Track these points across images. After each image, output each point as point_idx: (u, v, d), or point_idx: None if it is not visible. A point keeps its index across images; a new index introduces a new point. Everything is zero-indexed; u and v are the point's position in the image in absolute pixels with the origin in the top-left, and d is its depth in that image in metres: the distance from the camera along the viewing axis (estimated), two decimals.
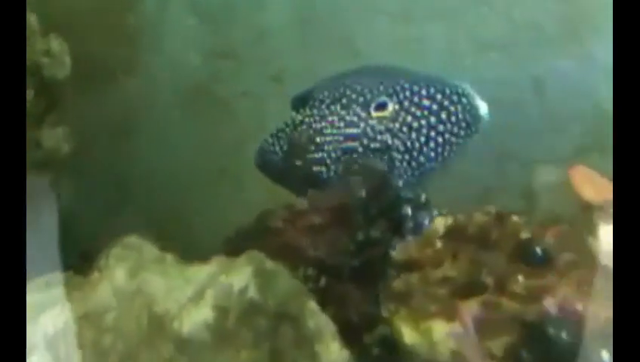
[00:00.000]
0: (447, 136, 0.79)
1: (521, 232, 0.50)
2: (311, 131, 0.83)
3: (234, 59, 1.36)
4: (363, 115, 0.80)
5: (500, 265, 0.47)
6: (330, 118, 0.82)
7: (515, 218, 0.51)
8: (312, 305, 0.50)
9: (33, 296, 0.71)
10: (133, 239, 0.54)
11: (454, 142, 0.80)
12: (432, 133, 0.79)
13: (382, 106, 0.81)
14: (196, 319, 0.47)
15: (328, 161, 0.81)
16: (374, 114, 0.80)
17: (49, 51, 1.03)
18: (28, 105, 0.99)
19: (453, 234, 0.52)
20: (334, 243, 0.60)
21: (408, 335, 0.46)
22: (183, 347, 0.46)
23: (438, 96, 0.80)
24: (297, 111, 0.86)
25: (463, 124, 0.79)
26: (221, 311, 0.48)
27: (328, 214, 0.63)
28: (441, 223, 0.53)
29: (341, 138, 0.81)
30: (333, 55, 1.32)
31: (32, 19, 0.99)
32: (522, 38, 1.24)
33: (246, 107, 1.35)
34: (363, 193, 0.65)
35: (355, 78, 0.83)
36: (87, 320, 0.48)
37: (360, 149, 0.80)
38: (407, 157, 0.79)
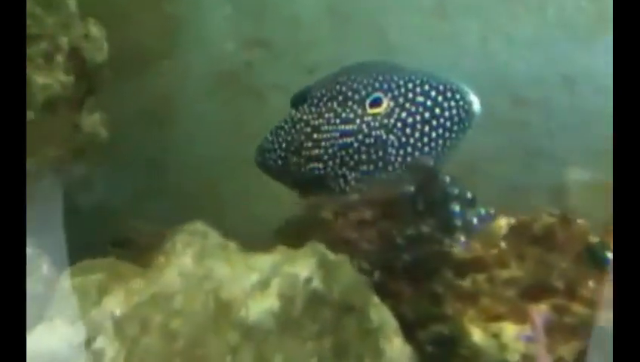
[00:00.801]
0: (440, 131, 0.80)
1: (589, 236, 0.50)
2: (308, 128, 0.84)
3: (268, 50, 1.36)
4: (359, 111, 0.82)
5: (569, 268, 0.47)
6: (326, 115, 0.83)
7: (581, 221, 0.51)
8: (375, 298, 0.50)
9: (82, 280, 0.72)
10: (198, 225, 0.55)
11: (448, 138, 0.81)
12: (426, 129, 0.80)
13: (376, 102, 0.82)
14: (262, 307, 0.48)
15: (325, 157, 0.83)
16: (369, 110, 0.82)
17: (88, 35, 1.03)
18: (69, 89, 1.00)
19: (516, 234, 0.52)
20: (386, 237, 0.60)
21: (477, 335, 0.46)
22: (249, 334, 0.47)
23: (432, 93, 0.81)
24: (296, 109, 0.87)
25: (457, 120, 0.80)
26: (287, 300, 0.48)
27: (378, 208, 0.63)
28: (503, 223, 0.53)
29: (337, 134, 0.82)
30: (365, 48, 1.32)
31: (70, 3, 0.99)
32: (554, 36, 1.24)
33: (278, 98, 1.36)
34: (412, 188, 0.65)
35: (350, 75, 0.84)
36: (155, 304, 0.48)
37: (356, 145, 0.81)
38: (401, 152, 0.81)
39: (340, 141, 0.81)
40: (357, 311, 0.49)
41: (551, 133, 1.29)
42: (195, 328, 0.46)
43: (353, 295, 0.49)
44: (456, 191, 0.68)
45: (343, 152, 0.81)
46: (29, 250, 0.79)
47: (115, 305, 0.49)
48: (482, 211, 0.69)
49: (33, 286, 0.75)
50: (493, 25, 1.27)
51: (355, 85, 0.83)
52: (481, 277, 0.49)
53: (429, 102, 0.80)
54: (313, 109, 0.85)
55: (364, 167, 0.81)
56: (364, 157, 0.81)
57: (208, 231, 0.54)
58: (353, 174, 0.82)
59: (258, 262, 0.51)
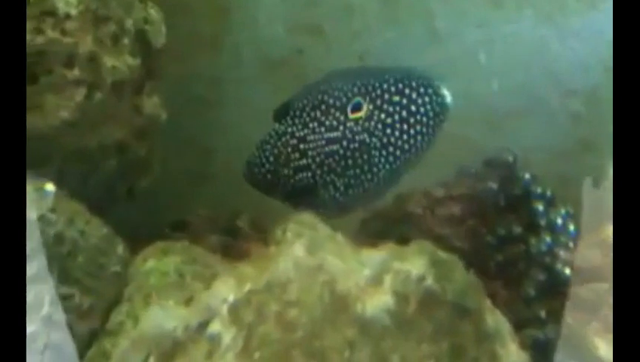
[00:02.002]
0: (418, 127, 0.83)
1: None
2: (294, 140, 0.87)
3: (318, 36, 1.35)
4: (341, 117, 0.84)
5: None
6: (311, 125, 0.86)
7: None
8: (489, 301, 0.50)
9: (158, 262, 0.73)
10: (307, 216, 0.55)
11: (425, 132, 0.83)
12: (405, 127, 0.83)
13: (357, 107, 0.85)
14: (378, 303, 0.48)
15: (313, 166, 0.86)
16: (351, 115, 0.84)
17: (147, 19, 1.04)
18: (135, 72, 1.00)
19: None
20: (476, 235, 0.60)
21: (603, 349, 0.45)
22: (365, 330, 0.47)
23: (407, 91, 0.83)
24: (279, 123, 0.90)
25: (431, 114, 0.83)
26: (401, 297, 0.48)
27: (464, 204, 0.63)
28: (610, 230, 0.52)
29: (323, 142, 0.85)
30: (412, 35, 1.31)
31: None
32: (604, 26, 1.22)
33: None
34: (495, 185, 0.65)
35: (330, 84, 0.87)
36: (270, 292, 0.48)
37: (341, 151, 0.84)
38: (384, 152, 0.83)
39: (327, 149, 0.84)
40: (472, 314, 0.49)
41: (599, 124, 1.28)
42: (312, 320, 0.46)
43: (468, 297, 0.48)
44: (538, 189, 0.68)
45: (330, 159, 0.84)
46: (104, 230, 0.81)
47: (227, 290, 0.49)
48: (563, 211, 0.69)
49: (111, 266, 0.77)
50: (544, 14, 1.26)
51: (335, 93, 0.86)
52: (603, 288, 0.48)
53: (404, 101, 0.83)
54: (297, 120, 0.88)
55: (351, 172, 0.84)
56: (350, 162, 0.83)
57: (317, 222, 0.54)
58: (341, 180, 0.84)
59: (368, 257, 0.51)
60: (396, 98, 0.83)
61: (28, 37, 0.85)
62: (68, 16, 0.89)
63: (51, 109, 0.87)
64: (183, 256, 0.76)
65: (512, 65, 1.38)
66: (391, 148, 0.83)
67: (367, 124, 0.83)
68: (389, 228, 0.58)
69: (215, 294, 0.49)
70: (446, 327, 0.48)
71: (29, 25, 0.86)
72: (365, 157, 0.83)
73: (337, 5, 1.35)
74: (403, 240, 0.53)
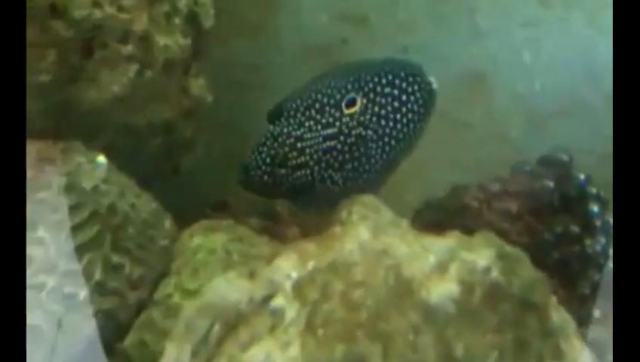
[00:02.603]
0: (410, 115, 0.86)
1: None
2: (291, 139, 0.89)
3: (363, 26, 1.34)
4: (337, 114, 0.87)
5: None
6: (307, 123, 0.88)
7: None
8: (553, 298, 0.50)
9: (205, 239, 0.74)
10: (370, 199, 0.55)
11: (417, 120, 0.86)
12: (398, 116, 0.86)
13: (351, 102, 0.87)
14: (443, 290, 0.47)
15: (311, 163, 0.88)
16: (346, 111, 0.87)
17: (197, 1, 1.04)
18: (185, 52, 1.01)
19: None
20: (534, 231, 0.59)
21: None
22: (430, 316, 0.47)
23: (397, 81, 0.86)
24: (274, 125, 0.91)
25: (421, 102, 0.86)
26: (466, 286, 0.48)
27: (520, 200, 0.62)
28: None
29: (320, 139, 0.87)
30: (455, 30, 1.30)
31: None
32: None
33: None
34: (551, 183, 0.65)
35: (322, 82, 0.89)
36: (335, 271, 0.48)
37: (339, 146, 0.86)
38: (380, 144, 0.86)
39: (324, 145, 0.87)
40: (538, 309, 0.48)
41: None
42: (377, 302, 0.46)
43: (534, 292, 0.48)
44: (593, 190, 0.67)
45: (328, 155, 0.87)
46: (153, 205, 0.82)
47: (290, 266, 0.49)
48: None
49: (160, 239, 0.77)
50: (591, 15, 1.24)
51: (329, 91, 0.88)
52: None
53: (395, 92, 0.86)
54: (292, 121, 0.90)
55: (349, 165, 0.86)
56: (347, 156, 0.86)
57: (380, 206, 0.54)
58: (339, 174, 0.86)
59: (433, 244, 0.51)
60: (387, 90, 0.86)
61: (86, 11, 0.86)
62: None
63: (104, 83, 0.88)
64: (229, 235, 0.76)
65: (556, 66, 1.36)
66: (386, 139, 0.86)
67: (362, 118, 0.86)
68: (444, 219, 0.58)
69: (278, 269, 0.49)
70: (511, 320, 0.48)
71: None
72: (362, 150, 0.85)
73: None
74: (463, 233, 0.52)
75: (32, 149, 0.75)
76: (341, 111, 0.87)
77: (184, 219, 0.94)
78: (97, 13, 0.87)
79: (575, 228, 0.61)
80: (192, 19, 1.04)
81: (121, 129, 0.93)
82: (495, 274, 0.48)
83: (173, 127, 1.01)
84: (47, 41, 0.82)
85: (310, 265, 0.49)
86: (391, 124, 0.86)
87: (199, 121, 1.07)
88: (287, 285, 0.48)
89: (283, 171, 0.90)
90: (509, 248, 0.50)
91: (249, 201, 1.14)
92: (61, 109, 0.86)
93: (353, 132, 0.86)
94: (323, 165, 0.87)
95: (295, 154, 0.89)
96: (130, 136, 0.95)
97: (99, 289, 0.65)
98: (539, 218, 0.63)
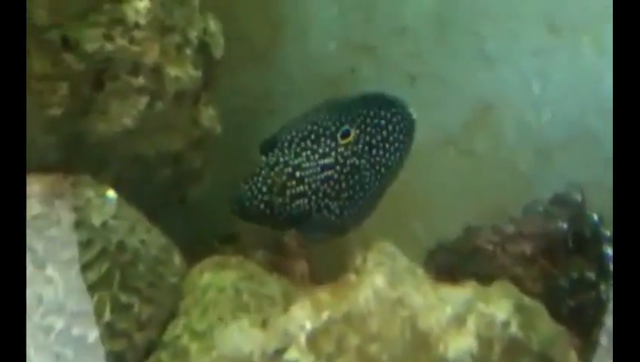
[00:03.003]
0: (396, 144, 0.92)
1: None
2: (289, 168, 0.91)
3: (371, 55, 1.35)
4: (332, 144, 0.91)
5: None
6: (304, 153, 0.91)
7: None
8: (573, 353, 0.48)
9: (215, 276, 0.73)
10: (387, 245, 0.54)
11: (402, 148, 0.93)
12: (387, 145, 0.92)
13: (346, 134, 0.91)
14: (461, 345, 0.47)
15: (309, 193, 0.90)
16: (341, 141, 0.91)
17: (206, 30, 1.05)
18: (196, 83, 1.01)
19: None
20: (549, 277, 0.58)
21: None
22: None
23: (382, 113, 0.92)
24: (267, 156, 0.94)
25: (405, 130, 0.92)
26: (485, 341, 0.47)
27: (534, 243, 0.61)
28: None
29: (319, 169, 0.90)
30: (463, 58, 1.30)
31: None
32: None
33: None
34: (565, 225, 0.64)
35: (317, 115, 0.94)
36: (350, 323, 0.48)
37: (336, 176, 0.90)
38: (373, 171, 0.91)
39: (323, 175, 0.90)
40: None
41: None
42: (393, 357, 0.45)
43: (553, 348, 0.47)
44: (607, 233, 0.66)
45: (325, 185, 0.90)
46: (162, 240, 0.81)
47: (304, 316, 0.48)
48: None
49: (169, 277, 0.77)
50: (601, 43, 1.24)
51: (325, 123, 0.92)
52: None
53: (383, 122, 0.92)
54: (287, 151, 0.92)
55: (345, 194, 0.90)
56: (343, 185, 0.90)
57: (397, 253, 0.53)
58: (336, 203, 0.90)
59: (450, 295, 0.50)
60: (377, 120, 0.92)
61: (98, 44, 0.87)
62: (137, 26, 0.90)
63: (115, 116, 0.88)
64: (239, 272, 0.76)
65: (565, 94, 1.36)
66: (377, 167, 0.91)
67: (355, 148, 0.90)
68: (457, 262, 0.57)
69: (292, 319, 0.48)
70: None
71: (100, 31, 0.87)
72: (357, 178, 0.90)
73: (391, 26, 1.34)
74: (476, 278, 0.52)
75: (43, 183, 0.74)
76: (336, 142, 0.91)
77: (192, 251, 0.93)
78: (109, 46, 0.87)
79: (591, 275, 0.61)
80: (203, 49, 1.05)
81: (130, 160, 0.93)
82: (514, 328, 0.47)
83: (182, 157, 1.01)
84: (59, 75, 0.83)
85: (325, 315, 0.48)
86: (381, 152, 0.91)
87: (208, 151, 1.07)
88: (302, 337, 0.47)
89: (280, 200, 0.91)
90: (527, 300, 0.49)
91: (257, 233, 1.13)
92: (71, 142, 0.86)
93: (348, 161, 0.90)
94: (320, 194, 0.90)
95: (294, 183, 0.91)
96: (139, 167, 0.95)
97: (108, 331, 0.64)
98: (553, 261, 0.62)
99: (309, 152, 0.91)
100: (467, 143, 1.35)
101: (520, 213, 0.81)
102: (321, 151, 0.91)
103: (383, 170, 0.91)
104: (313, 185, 0.90)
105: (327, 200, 0.90)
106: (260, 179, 0.94)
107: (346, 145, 0.91)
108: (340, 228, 0.93)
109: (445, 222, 1.02)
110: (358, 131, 0.91)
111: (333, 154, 0.91)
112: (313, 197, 0.90)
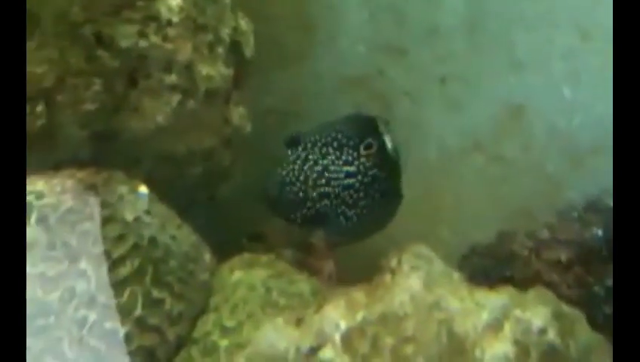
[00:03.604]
0: (402, 157, 0.95)
1: None
2: (319, 166, 0.91)
3: (402, 57, 1.34)
4: (355, 154, 0.92)
5: None
6: (329, 157, 0.92)
7: None
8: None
9: (246, 275, 0.73)
10: (422, 248, 0.54)
11: (406, 157, 0.95)
12: (394, 156, 0.95)
13: (369, 146, 0.94)
14: (497, 351, 0.46)
15: (332, 196, 0.91)
16: (363, 153, 0.93)
17: (237, 29, 1.05)
18: (227, 81, 1.02)
19: None
20: (584, 284, 0.57)
21: None
22: None
23: (389, 127, 0.96)
24: (291, 150, 0.94)
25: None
26: (522, 348, 0.47)
27: (570, 249, 0.60)
28: None
29: (342, 175, 0.92)
30: (494, 62, 1.29)
31: None
32: None
33: (406, 106, 1.34)
34: (600, 231, 0.63)
35: (342, 126, 0.96)
36: (385, 324, 0.48)
37: (357, 185, 0.91)
38: (390, 181, 0.93)
39: (345, 182, 0.91)
40: None
41: None
42: (428, 359, 0.45)
43: (592, 356, 0.46)
44: None
45: (346, 192, 0.91)
46: (193, 237, 0.81)
47: (339, 316, 0.48)
48: None
49: (200, 274, 0.77)
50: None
51: (349, 133, 0.94)
52: None
53: (389, 136, 0.95)
54: (313, 150, 0.93)
55: (362, 203, 0.92)
56: (362, 194, 0.92)
57: (433, 256, 0.53)
58: (352, 211, 0.91)
59: (486, 300, 0.49)
60: (386, 136, 0.95)
61: (132, 40, 0.87)
62: (170, 23, 0.91)
63: (148, 113, 0.89)
64: (268, 270, 0.76)
65: (595, 99, 1.34)
66: (392, 176, 0.94)
67: (375, 159, 0.92)
68: (491, 267, 0.56)
69: (327, 319, 0.48)
70: None
71: (134, 28, 0.88)
72: (377, 187, 0.92)
73: (423, 28, 1.34)
74: (511, 283, 0.51)
75: (76, 178, 0.75)
76: (358, 152, 0.92)
77: (220, 249, 0.94)
78: (143, 43, 0.87)
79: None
80: (234, 48, 1.05)
81: (161, 157, 0.93)
82: (551, 335, 0.46)
83: (212, 155, 1.02)
84: (93, 71, 0.84)
85: (360, 315, 0.48)
86: (392, 164, 0.94)
87: (237, 149, 1.08)
88: (337, 336, 0.47)
89: (314, 194, 0.91)
90: (565, 307, 0.49)
91: (283, 232, 1.14)
92: (104, 138, 0.87)
93: (369, 172, 0.92)
94: (340, 200, 0.91)
95: (323, 181, 0.92)
96: (170, 165, 0.95)
97: (139, 325, 0.65)
98: (588, 268, 0.61)
99: (333, 157, 0.93)
100: (496, 147, 1.34)
101: (552, 219, 0.79)
102: (344, 158, 0.92)
103: (396, 178, 0.94)
104: (336, 190, 0.91)
105: (343, 207, 0.92)
106: (296, 168, 0.93)
107: (367, 156, 0.92)
108: (352, 237, 0.94)
109: (475, 227, 1.01)
110: (378, 144, 0.94)
111: (355, 163, 0.92)
112: (335, 201, 0.91)
